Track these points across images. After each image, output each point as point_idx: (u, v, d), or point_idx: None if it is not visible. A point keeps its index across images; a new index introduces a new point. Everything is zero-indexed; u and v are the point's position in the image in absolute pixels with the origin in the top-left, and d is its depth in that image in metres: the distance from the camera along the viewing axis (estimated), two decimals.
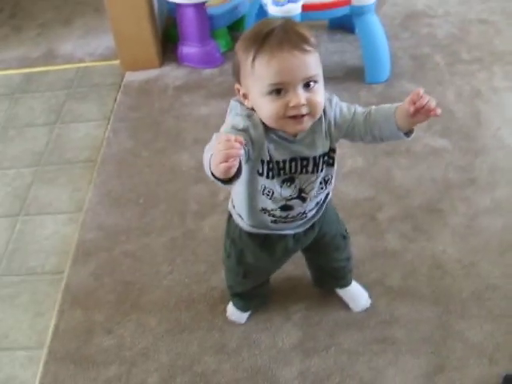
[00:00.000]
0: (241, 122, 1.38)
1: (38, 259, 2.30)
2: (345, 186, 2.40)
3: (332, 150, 1.48)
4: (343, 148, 2.41)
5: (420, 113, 1.29)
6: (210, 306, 2.04)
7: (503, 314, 1.94)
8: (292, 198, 1.51)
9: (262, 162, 1.43)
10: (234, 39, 3.34)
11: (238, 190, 1.55)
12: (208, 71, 3.21)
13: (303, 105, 1.30)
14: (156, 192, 2.47)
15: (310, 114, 1.34)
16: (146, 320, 2.02)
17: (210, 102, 2.96)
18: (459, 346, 1.87)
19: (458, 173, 2.44)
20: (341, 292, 1.98)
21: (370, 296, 1.98)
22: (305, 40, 1.29)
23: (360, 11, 2.81)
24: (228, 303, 1.99)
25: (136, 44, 3.22)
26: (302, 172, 1.47)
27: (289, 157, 1.43)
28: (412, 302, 1.99)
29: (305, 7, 2.75)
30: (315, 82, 1.32)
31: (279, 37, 1.28)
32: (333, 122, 1.44)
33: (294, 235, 1.66)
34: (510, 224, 2.22)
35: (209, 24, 3.21)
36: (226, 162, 1.15)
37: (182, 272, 2.15)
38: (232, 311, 1.98)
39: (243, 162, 1.30)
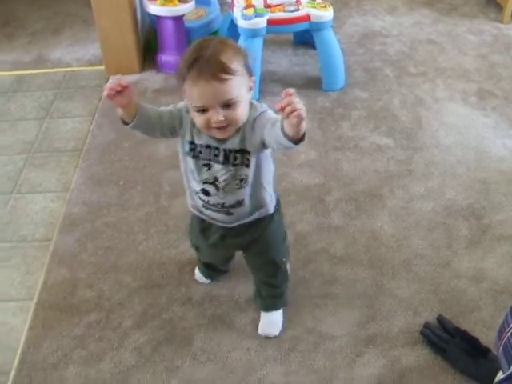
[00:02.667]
0: (182, 104, 1.64)
1: (28, 229, 2.56)
2: (298, 174, 2.70)
3: (245, 151, 1.60)
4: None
5: (288, 113, 1.30)
6: (179, 267, 2.31)
7: (427, 277, 2.24)
8: (207, 183, 1.67)
9: (188, 142, 1.63)
10: None
11: (181, 168, 1.76)
12: None
13: (222, 121, 1.47)
14: (134, 175, 2.75)
15: (231, 124, 1.51)
16: (122, 277, 2.29)
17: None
18: (389, 301, 2.15)
19: (397, 165, 2.74)
20: (262, 314, 2.07)
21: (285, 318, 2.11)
22: (223, 70, 1.42)
23: (318, 27, 3.12)
24: (196, 266, 2.25)
25: (120, 52, 3.51)
26: (214, 161, 1.62)
27: (205, 143, 1.61)
28: (351, 266, 2.28)
29: (270, 21, 3.07)
30: (234, 102, 1.47)
31: (200, 67, 1.42)
32: (250, 126, 1.55)
33: (224, 228, 1.79)
34: (438, 208, 2.52)
35: (186, 35, 3.50)
36: (107, 90, 1.47)
37: (154, 240, 2.43)
38: (198, 274, 2.23)
39: (138, 115, 1.60)
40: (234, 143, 1.58)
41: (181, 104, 1.64)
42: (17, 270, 2.39)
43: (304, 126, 1.35)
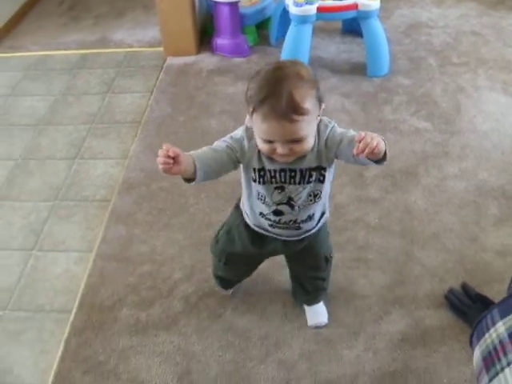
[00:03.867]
0: (238, 133, 1.57)
1: (90, 190, 2.79)
2: None
3: (321, 168, 1.58)
4: (342, 123, 2.89)
5: (365, 152, 1.35)
6: None
7: (455, 249, 2.38)
8: (281, 203, 1.64)
9: (254, 169, 1.58)
10: (260, 36, 3.85)
11: (243, 193, 1.74)
12: (237, 60, 3.69)
13: (287, 153, 1.45)
14: (188, 146, 2.91)
15: (296, 155, 1.50)
16: (174, 235, 2.49)
17: (237, 84, 3.44)
18: (417, 268, 2.31)
19: (434, 147, 2.88)
20: (306, 308, 2.14)
21: (328, 308, 2.17)
22: (296, 111, 1.37)
23: (365, 15, 3.28)
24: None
25: (178, 34, 3.71)
26: (290, 182, 1.58)
27: (279, 167, 1.55)
28: (384, 235, 2.44)
29: (319, 9, 3.23)
30: (302, 139, 1.44)
31: (273, 104, 1.36)
32: (323, 144, 1.54)
33: (286, 240, 1.80)
34: (470, 187, 2.66)
35: (240, 21, 3.69)
36: (161, 164, 1.39)
37: (204, 204, 2.62)
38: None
39: (199, 171, 1.49)
40: (310, 162, 1.56)
41: (238, 132, 1.58)
42: (79, 225, 2.61)
43: (381, 149, 1.40)
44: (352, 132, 1.54)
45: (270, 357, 2.03)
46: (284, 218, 1.69)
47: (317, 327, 2.11)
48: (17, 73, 3.82)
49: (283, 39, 3.38)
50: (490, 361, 1.27)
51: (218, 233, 1.98)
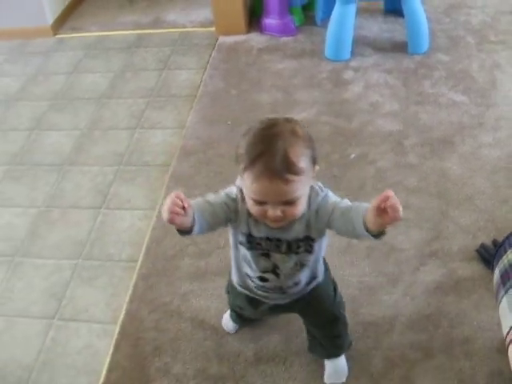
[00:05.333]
0: (233, 192, 1.48)
1: (150, 156, 3.05)
2: (382, 121, 3.07)
3: (309, 238, 1.50)
4: (384, 96, 3.11)
5: (386, 213, 1.24)
6: None
7: (487, 209, 2.56)
8: (266, 271, 1.57)
9: (243, 233, 1.51)
10: (306, 16, 4.06)
11: (231, 250, 1.66)
12: (284, 39, 3.91)
13: (279, 216, 1.35)
14: (240, 117, 3.18)
15: (288, 219, 1.39)
16: None
17: (284, 61, 3.66)
18: (451, 226, 2.50)
19: (470, 118, 3.06)
20: (326, 361, 2.00)
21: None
22: (291, 171, 1.29)
23: None
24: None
25: (229, 15, 3.94)
26: (276, 251, 1.51)
27: (265, 235, 1.48)
28: (421, 196, 2.63)
29: None
30: (295, 200, 1.35)
31: (266, 164, 1.28)
32: (314, 214, 1.45)
33: (275, 304, 1.73)
34: (503, 155, 2.83)
35: (287, 2, 3.90)
36: (168, 213, 1.28)
37: None
38: (226, 319, 2.17)
39: (197, 225, 1.39)
40: (298, 232, 1.48)
41: (233, 191, 1.49)
42: (141, 188, 2.87)
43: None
44: (346, 200, 1.46)
45: None
46: (268, 285, 1.62)
47: None
48: (78, 52, 4.10)
49: (328, 19, 3.57)
50: (507, 277, 1.48)
51: (229, 281, 1.88)
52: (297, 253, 1.52)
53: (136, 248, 2.55)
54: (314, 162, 1.38)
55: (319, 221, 1.46)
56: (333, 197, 1.48)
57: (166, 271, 2.42)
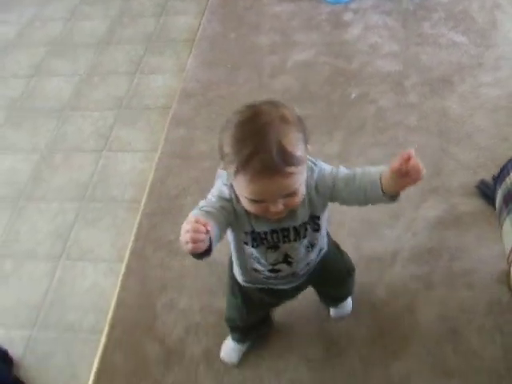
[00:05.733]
0: (225, 191, 1.33)
1: (151, 100, 3.06)
2: (382, 62, 3.05)
3: (315, 217, 1.40)
4: (383, 38, 3.09)
5: (407, 174, 1.19)
6: None
7: (487, 147, 2.56)
8: (278, 263, 1.47)
9: (246, 232, 1.38)
10: None
11: (232, 252, 1.54)
12: None
13: (282, 209, 1.25)
14: (240, 60, 3.16)
15: (289, 208, 1.28)
16: None
17: (282, 4, 3.61)
18: (452, 163, 2.51)
19: (470, 59, 3.04)
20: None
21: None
22: (288, 161, 1.16)
23: None
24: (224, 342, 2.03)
25: None
26: (284, 241, 1.40)
27: (269, 228, 1.37)
28: (422, 134, 2.64)
29: None
30: (296, 191, 1.24)
31: (262, 161, 1.14)
32: (314, 192, 1.34)
33: (284, 288, 1.63)
34: (503, 94, 2.82)
35: None
36: (193, 243, 1.10)
37: None
38: (227, 349, 1.98)
39: (214, 241, 1.21)
40: (303, 216, 1.38)
41: (224, 191, 1.35)
42: (141, 130, 2.89)
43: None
44: (342, 169, 1.36)
45: None
46: (281, 274, 1.51)
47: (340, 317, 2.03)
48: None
49: None
50: (509, 198, 1.50)
51: (231, 286, 1.74)
52: (305, 236, 1.42)
53: (139, 189, 2.56)
54: (306, 143, 1.25)
55: (321, 196, 1.36)
56: (327, 168, 1.36)
57: (169, 210, 2.44)
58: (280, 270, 1.49)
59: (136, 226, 2.41)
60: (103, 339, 2.09)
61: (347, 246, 2.15)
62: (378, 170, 1.28)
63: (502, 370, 1.86)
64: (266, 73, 3.03)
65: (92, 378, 2.01)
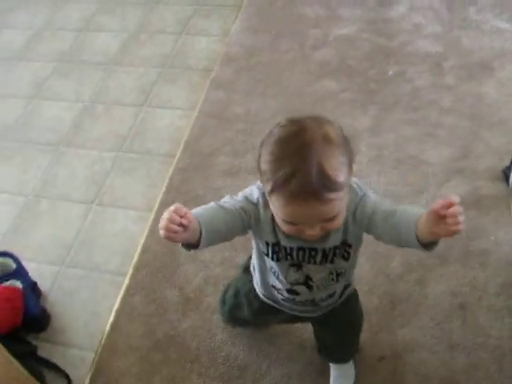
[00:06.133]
0: (254, 195, 1.25)
1: (193, 60, 3.14)
2: (422, 42, 3.06)
3: (346, 245, 1.28)
4: (427, 18, 3.09)
5: (443, 221, 1.05)
6: (314, 101, 2.78)
7: None
8: (297, 284, 1.36)
9: (267, 243, 1.28)
10: None
11: (253, 259, 1.45)
12: None
13: (318, 233, 1.16)
14: (284, 28, 3.21)
15: (325, 232, 1.20)
16: (268, 102, 2.80)
17: None
18: (481, 146, 2.53)
19: None
20: (332, 366, 1.83)
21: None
22: (328, 187, 1.06)
23: None
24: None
25: None
26: (309, 262, 1.30)
27: (296, 245, 1.26)
28: (455, 116, 2.66)
29: None
30: (335, 217, 1.14)
31: (299, 184, 1.05)
32: (351, 217, 1.23)
33: (300, 315, 1.54)
34: None
35: None
36: (166, 231, 1.07)
37: (297, 77, 2.91)
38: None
39: (205, 238, 1.17)
40: (335, 240, 1.26)
41: (254, 194, 1.26)
42: (182, 90, 2.97)
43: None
44: (388, 202, 1.24)
45: None
46: (299, 298, 1.41)
47: None
48: None
49: None
50: None
51: (225, 294, 1.74)
52: (332, 261, 1.30)
53: (174, 144, 2.64)
54: (350, 167, 1.13)
55: (356, 225, 1.24)
56: (372, 196, 1.24)
57: (201, 167, 2.52)
58: (298, 292, 1.38)
59: (168, 179, 2.49)
60: (126, 281, 2.19)
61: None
62: (417, 211, 1.15)
63: (507, 349, 1.90)
64: (308, 44, 3.08)
65: (112, 317, 2.11)
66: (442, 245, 2.15)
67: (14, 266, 2.13)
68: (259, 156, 1.15)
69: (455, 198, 1.03)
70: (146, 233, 2.32)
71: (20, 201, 2.55)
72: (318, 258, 1.28)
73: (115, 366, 1.98)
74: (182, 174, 2.49)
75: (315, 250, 1.27)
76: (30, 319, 2.04)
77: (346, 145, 1.13)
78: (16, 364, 1.21)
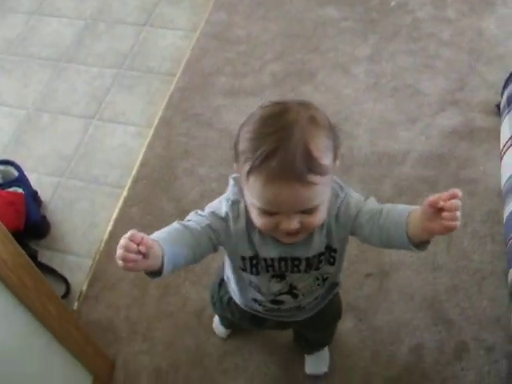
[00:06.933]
0: (223, 209, 1.13)
1: None
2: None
3: (331, 249, 1.19)
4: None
5: (439, 216, 0.94)
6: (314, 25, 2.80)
7: None
8: (282, 294, 1.27)
9: (243, 258, 1.17)
10: None
11: (227, 272, 1.35)
12: None
13: (296, 228, 1.04)
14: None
15: (305, 230, 1.07)
16: (268, 25, 2.80)
17: None
18: (477, 80, 2.55)
19: None
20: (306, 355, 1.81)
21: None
22: (312, 168, 0.97)
23: None
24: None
25: None
26: (293, 271, 1.20)
27: (277, 255, 1.16)
28: (453, 49, 2.66)
29: None
30: (315, 208, 1.03)
31: (281, 162, 0.95)
32: (333, 220, 1.13)
33: (285, 321, 1.45)
34: None
35: None
36: (123, 261, 0.94)
37: (298, 3, 2.90)
38: (217, 323, 1.89)
39: (168, 263, 1.03)
40: (319, 246, 1.16)
41: (222, 208, 1.14)
42: (184, 11, 2.98)
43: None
44: (372, 200, 1.14)
45: None
46: (284, 307, 1.32)
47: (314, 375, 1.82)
48: None
49: None
50: None
51: (212, 298, 1.59)
52: (317, 268, 1.21)
53: (175, 64, 2.67)
54: (335, 156, 1.05)
55: (340, 228, 1.14)
56: (355, 196, 1.14)
57: (201, 86, 2.55)
58: (283, 301, 1.29)
59: (168, 96, 2.52)
60: (124, 193, 2.25)
61: (362, 141, 2.27)
62: (406, 209, 1.06)
63: (487, 272, 1.99)
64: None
65: (109, 226, 2.17)
66: (432, 172, 2.25)
67: (15, 173, 2.17)
68: (237, 137, 1.03)
69: (458, 192, 0.93)
70: (144, 148, 2.36)
71: (21, 114, 2.58)
72: (302, 266, 1.19)
73: (112, 272, 2.05)
74: (181, 92, 2.52)
75: (298, 259, 1.17)
76: (31, 226, 2.10)
77: (332, 131, 1.04)
78: (25, 255, 1.28)
